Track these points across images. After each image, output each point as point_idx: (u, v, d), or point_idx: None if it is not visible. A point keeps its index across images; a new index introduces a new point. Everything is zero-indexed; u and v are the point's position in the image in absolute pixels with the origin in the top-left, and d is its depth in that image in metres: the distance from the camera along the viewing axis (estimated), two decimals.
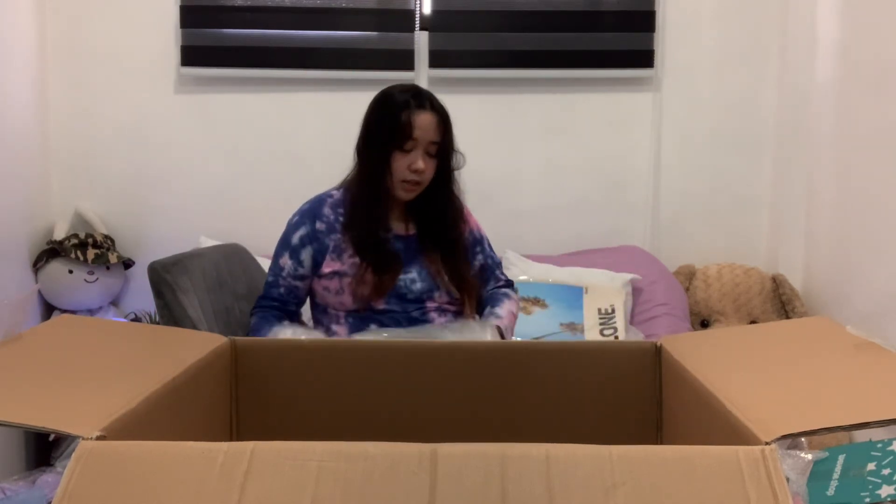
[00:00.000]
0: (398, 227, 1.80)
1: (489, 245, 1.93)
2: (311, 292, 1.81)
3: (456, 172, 1.81)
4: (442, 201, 1.80)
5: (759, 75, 2.85)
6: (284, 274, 1.77)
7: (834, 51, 2.51)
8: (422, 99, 1.73)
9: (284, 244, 1.78)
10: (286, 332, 1.68)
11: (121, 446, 0.70)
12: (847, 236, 2.43)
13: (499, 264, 1.95)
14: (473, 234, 1.89)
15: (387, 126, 1.71)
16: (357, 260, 1.73)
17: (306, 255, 1.76)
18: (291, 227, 1.79)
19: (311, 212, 1.79)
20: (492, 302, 1.85)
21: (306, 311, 1.86)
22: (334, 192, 1.83)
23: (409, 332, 1.66)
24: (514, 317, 1.85)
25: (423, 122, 1.71)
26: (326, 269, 1.74)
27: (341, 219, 1.78)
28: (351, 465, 0.67)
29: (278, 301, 1.78)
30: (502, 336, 1.69)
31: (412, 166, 1.71)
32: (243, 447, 0.69)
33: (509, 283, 1.95)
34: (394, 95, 1.74)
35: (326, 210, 1.79)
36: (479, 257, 1.89)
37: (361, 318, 1.72)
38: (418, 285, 1.75)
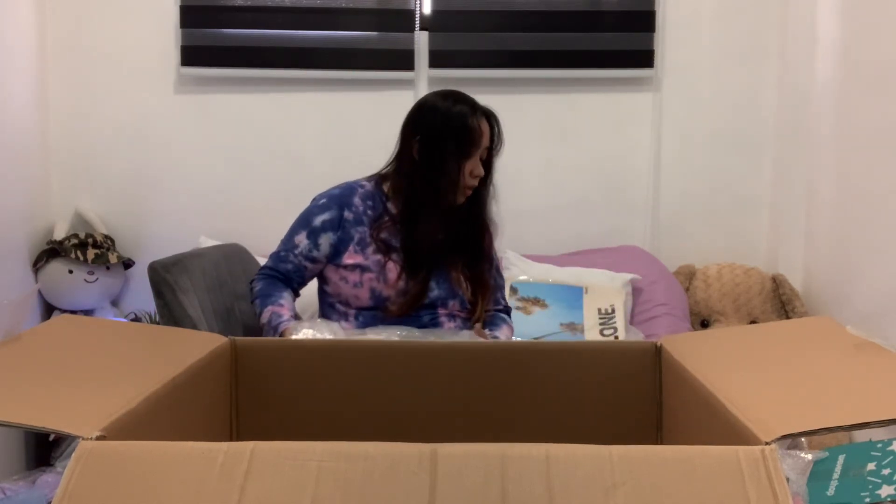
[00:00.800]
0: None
1: (498, 269, 1.93)
2: (322, 280, 1.79)
3: None
4: (483, 205, 1.81)
5: (759, 75, 2.85)
6: (297, 252, 1.75)
7: (834, 51, 2.51)
8: (477, 105, 1.74)
9: (304, 223, 1.76)
10: (290, 301, 1.71)
11: (121, 446, 0.70)
12: (847, 236, 2.43)
13: (502, 287, 1.94)
14: (490, 251, 1.89)
15: (458, 135, 1.70)
16: (381, 258, 1.71)
17: (325, 240, 1.74)
18: (316, 209, 1.76)
19: (340, 198, 1.77)
20: (491, 326, 1.85)
21: (311, 305, 1.84)
22: (365, 183, 1.81)
23: (422, 333, 1.63)
24: None
25: (485, 128, 1.73)
26: (348, 260, 1.72)
27: (370, 212, 1.76)
28: (351, 465, 0.67)
29: (283, 275, 1.76)
30: None
31: (475, 172, 1.72)
32: (243, 447, 0.69)
33: (507, 310, 1.94)
34: (450, 106, 1.72)
35: (356, 200, 1.77)
36: (486, 275, 1.87)
37: (373, 317, 1.71)
38: (434, 292, 1.74)
